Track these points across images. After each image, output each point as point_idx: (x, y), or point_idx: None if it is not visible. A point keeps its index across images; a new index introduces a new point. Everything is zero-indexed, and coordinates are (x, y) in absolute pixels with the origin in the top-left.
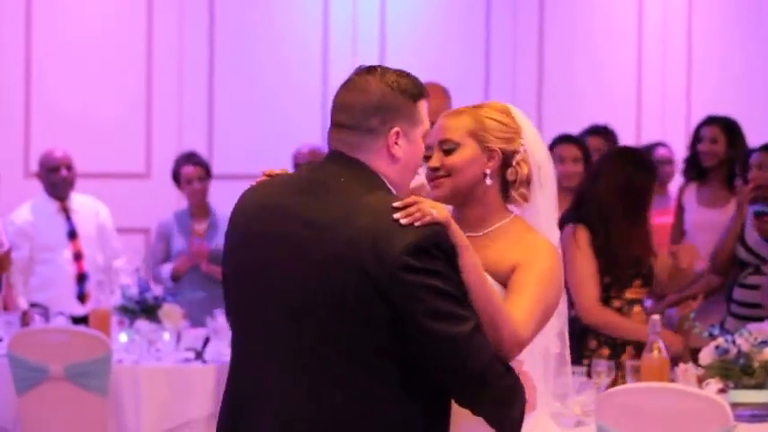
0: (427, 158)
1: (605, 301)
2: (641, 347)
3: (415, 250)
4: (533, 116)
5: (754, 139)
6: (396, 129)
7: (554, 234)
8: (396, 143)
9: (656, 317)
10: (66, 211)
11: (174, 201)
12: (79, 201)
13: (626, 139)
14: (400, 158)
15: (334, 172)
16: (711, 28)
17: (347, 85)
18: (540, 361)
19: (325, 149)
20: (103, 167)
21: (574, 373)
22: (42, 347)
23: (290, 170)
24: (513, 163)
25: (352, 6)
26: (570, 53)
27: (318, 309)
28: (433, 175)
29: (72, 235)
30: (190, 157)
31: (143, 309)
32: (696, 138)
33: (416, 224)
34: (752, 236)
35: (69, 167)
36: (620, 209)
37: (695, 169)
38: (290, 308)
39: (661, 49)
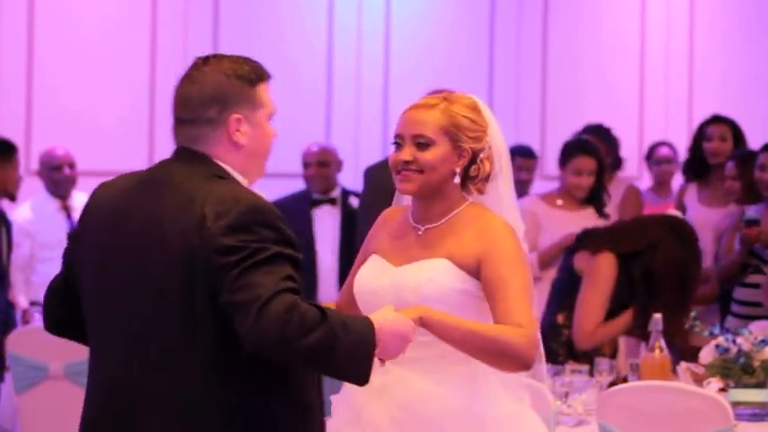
0: (396, 146)
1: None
2: (613, 358)
3: (232, 230)
4: (537, 117)
5: (756, 141)
6: (236, 116)
7: (517, 227)
8: (237, 130)
9: (658, 316)
10: (66, 210)
11: None
12: (80, 199)
13: (629, 139)
14: (244, 145)
15: (177, 167)
16: (713, 30)
17: (184, 80)
18: None
19: (334, 147)
20: (106, 166)
21: (576, 371)
22: (42, 346)
23: (301, 169)
24: (478, 160)
25: (356, 5)
26: (573, 54)
27: (153, 305)
28: (403, 167)
29: None
30: None
31: None
32: (701, 136)
33: None
34: None
35: (71, 166)
36: (674, 287)
37: (696, 169)
38: (132, 308)
39: (663, 51)
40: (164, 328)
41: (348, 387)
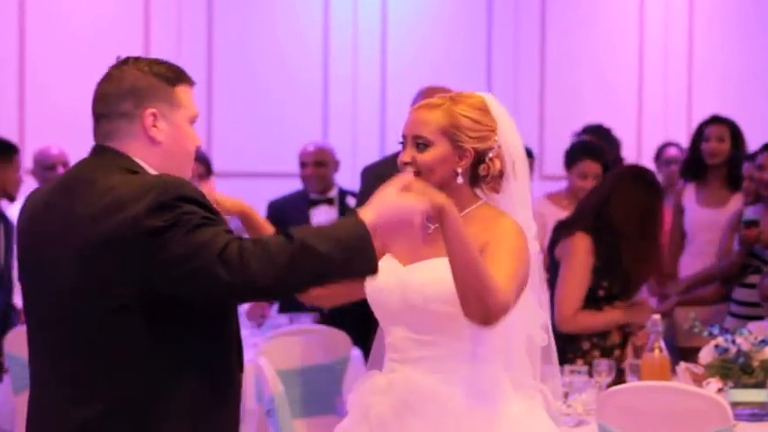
0: (402, 146)
1: (597, 308)
2: (624, 346)
3: (155, 211)
4: (535, 117)
5: (755, 140)
6: (151, 110)
7: (528, 225)
8: (154, 125)
9: (657, 316)
10: None
11: None
12: None
13: (628, 139)
14: (161, 141)
15: (91, 164)
16: (712, 29)
17: (103, 79)
18: (524, 351)
19: (330, 146)
20: None
21: (577, 372)
22: None
23: (298, 169)
24: (486, 159)
25: (352, 6)
26: (571, 53)
27: (79, 303)
28: (405, 168)
29: None
30: None
31: None
32: (700, 137)
33: None
34: None
35: (66, 165)
36: (637, 231)
37: (694, 169)
38: (58, 304)
39: (662, 51)
40: (81, 324)
41: (358, 387)
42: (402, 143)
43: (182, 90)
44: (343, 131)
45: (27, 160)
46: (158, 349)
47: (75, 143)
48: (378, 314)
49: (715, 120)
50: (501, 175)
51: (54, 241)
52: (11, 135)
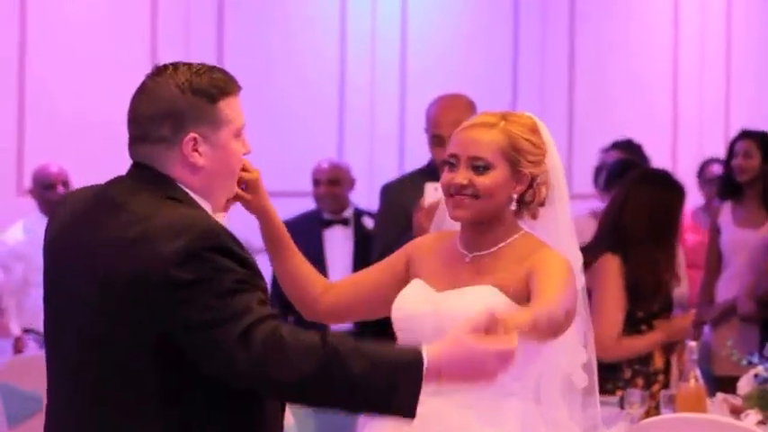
0: (447, 165)
1: (637, 330)
2: (668, 372)
3: (184, 259)
4: (563, 131)
5: None
6: (191, 135)
7: (569, 251)
8: (194, 151)
9: (693, 344)
10: None
11: None
12: None
13: (662, 154)
14: (204, 167)
15: (125, 186)
16: (750, 39)
17: (138, 91)
18: (562, 393)
19: (346, 164)
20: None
21: (607, 404)
22: (37, 376)
23: (311, 187)
24: (535, 185)
25: (370, 17)
26: (602, 64)
27: (96, 341)
28: (457, 191)
29: None
30: None
31: None
32: (730, 153)
33: None
34: None
35: (66, 184)
36: (647, 234)
37: (729, 187)
38: (75, 340)
39: (698, 61)
40: (95, 365)
41: (383, 425)
42: (450, 164)
43: (225, 104)
44: (359, 148)
45: (26, 179)
46: (178, 397)
47: (77, 160)
48: (409, 341)
49: (743, 135)
50: (543, 202)
51: (75, 270)
52: (9, 153)
